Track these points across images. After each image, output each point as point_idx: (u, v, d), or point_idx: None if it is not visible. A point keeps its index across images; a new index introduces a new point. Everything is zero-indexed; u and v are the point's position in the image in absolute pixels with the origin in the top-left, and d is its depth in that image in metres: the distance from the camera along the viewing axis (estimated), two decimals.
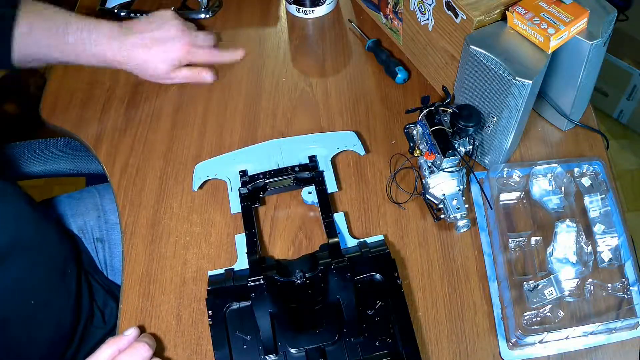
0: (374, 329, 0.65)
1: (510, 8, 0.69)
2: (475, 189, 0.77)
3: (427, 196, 0.74)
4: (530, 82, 0.66)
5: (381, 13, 0.93)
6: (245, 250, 0.71)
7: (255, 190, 0.76)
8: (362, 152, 0.80)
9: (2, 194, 0.74)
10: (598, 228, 0.71)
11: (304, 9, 0.97)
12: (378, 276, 0.68)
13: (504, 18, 0.71)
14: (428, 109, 0.73)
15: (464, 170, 0.73)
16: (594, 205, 0.73)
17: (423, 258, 0.72)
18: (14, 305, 0.72)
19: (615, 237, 0.71)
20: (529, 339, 0.64)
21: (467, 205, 0.72)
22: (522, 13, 0.68)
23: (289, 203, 0.78)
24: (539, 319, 0.66)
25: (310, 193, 0.76)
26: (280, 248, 0.74)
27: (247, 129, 0.85)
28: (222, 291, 0.68)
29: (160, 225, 0.76)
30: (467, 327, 0.67)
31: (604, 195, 0.73)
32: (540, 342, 0.65)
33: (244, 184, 0.76)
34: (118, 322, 0.69)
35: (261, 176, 0.76)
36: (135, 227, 0.76)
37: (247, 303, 0.67)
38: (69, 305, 0.80)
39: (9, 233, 0.71)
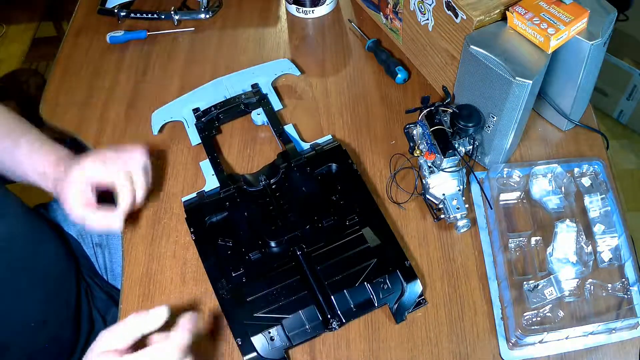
0: (342, 211, 0.72)
1: (510, 8, 0.69)
2: (475, 189, 0.77)
3: (427, 196, 0.74)
4: (530, 82, 0.66)
5: (381, 13, 0.93)
6: (212, 173, 0.77)
7: (210, 121, 0.83)
8: (297, 73, 0.89)
9: None
10: (598, 228, 0.71)
11: (304, 9, 0.97)
12: (334, 166, 0.76)
13: (504, 18, 0.71)
14: (428, 109, 0.73)
15: (464, 170, 0.73)
16: (594, 205, 0.73)
17: (423, 258, 0.72)
18: (13, 329, 0.71)
19: (615, 237, 0.71)
20: (529, 339, 0.64)
21: (467, 205, 0.72)
22: (522, 13, 0.68)
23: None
24: (539, 319, 0.66)
25: (259, 114, 0.83)
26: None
27: (247, 130, 0.85)
28: (199, 207, 0.74)
29: (160, 225, 0.76)
30: (467, 327, 0.67)
31: (604, 195, 0.73)
32: (540, 342, 0.65)
33: (198, 118, 0.83)
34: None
35: (212, 109, 0.83)
36: (135, 227, 0.76)
37: (224, 214, 0.73)
38: (69, 321, 0.80)
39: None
